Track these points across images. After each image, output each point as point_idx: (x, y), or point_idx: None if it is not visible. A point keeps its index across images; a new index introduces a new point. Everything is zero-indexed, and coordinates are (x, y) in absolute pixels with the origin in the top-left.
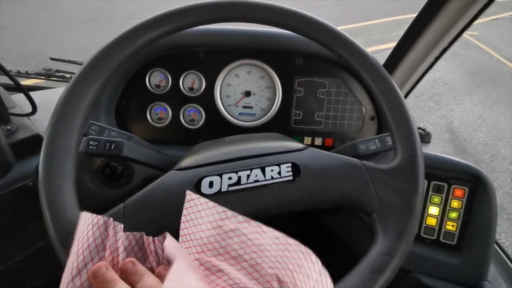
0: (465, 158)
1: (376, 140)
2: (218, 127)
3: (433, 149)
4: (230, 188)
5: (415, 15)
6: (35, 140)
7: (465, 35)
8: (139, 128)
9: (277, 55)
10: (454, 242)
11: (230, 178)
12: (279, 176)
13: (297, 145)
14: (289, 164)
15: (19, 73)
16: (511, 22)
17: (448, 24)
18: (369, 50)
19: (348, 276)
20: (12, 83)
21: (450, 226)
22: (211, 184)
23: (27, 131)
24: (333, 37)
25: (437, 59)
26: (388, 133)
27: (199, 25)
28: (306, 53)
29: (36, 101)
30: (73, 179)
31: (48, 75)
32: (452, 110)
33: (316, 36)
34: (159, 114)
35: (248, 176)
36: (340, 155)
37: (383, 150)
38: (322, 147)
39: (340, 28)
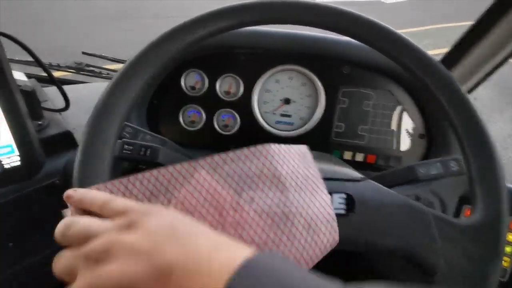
0: None
1: (439, 164)
2: (252, 135)
3: None
4: None
5: (447, 25)
6: (66, 137)
7: None
8: (170, 130)
9: (323, 61)
10: (506, 279)
11: None
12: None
13: (353, 173)
14: (343, 195)
15: (50, 66)
16: None
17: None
18: None
19: None
20: (45, 74)
21: (502, 261)
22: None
23: (58, 127)
24: (410, 52)
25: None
26: (452, 157)
27: (256, 25)
28: (355, 61)
29: (68, 95)
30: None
31: (78, 68)
32: None
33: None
34: (192, 117)
35: None
36: (404, 197)
37: (446, 175)
38: (364, 163)
39: None
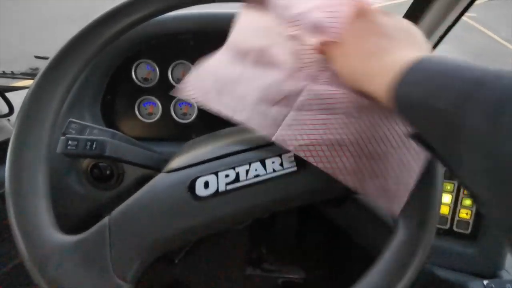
0: None
1: None
2: (212, 120)
3: None
4: (229, 187)
5: None
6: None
7: (463, 17)
8: (127, 125)
9: None
10: (469, 231)
11: (227, 176)
12: (281, 168)
13: None
14: (291, 154)
15: (4, 74)
16: (507, 3)
17: None
18: None
19: (370, 273)
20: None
21: (464, 214)
22: (206, 185)
23: (3, 134)
24: None
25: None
26: None
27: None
28: None
29: (18, 101)
30: (47, 193)
31: (34, 74)
32: None
33: None
34: (148, 109)
35: (247, 171)
36: None
37: None
38: None
39: None
